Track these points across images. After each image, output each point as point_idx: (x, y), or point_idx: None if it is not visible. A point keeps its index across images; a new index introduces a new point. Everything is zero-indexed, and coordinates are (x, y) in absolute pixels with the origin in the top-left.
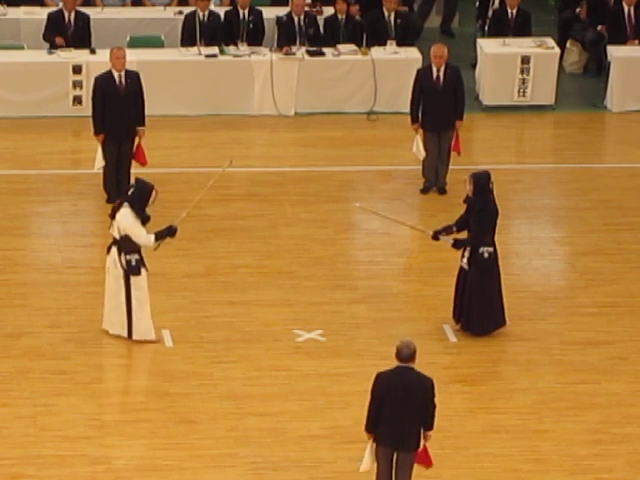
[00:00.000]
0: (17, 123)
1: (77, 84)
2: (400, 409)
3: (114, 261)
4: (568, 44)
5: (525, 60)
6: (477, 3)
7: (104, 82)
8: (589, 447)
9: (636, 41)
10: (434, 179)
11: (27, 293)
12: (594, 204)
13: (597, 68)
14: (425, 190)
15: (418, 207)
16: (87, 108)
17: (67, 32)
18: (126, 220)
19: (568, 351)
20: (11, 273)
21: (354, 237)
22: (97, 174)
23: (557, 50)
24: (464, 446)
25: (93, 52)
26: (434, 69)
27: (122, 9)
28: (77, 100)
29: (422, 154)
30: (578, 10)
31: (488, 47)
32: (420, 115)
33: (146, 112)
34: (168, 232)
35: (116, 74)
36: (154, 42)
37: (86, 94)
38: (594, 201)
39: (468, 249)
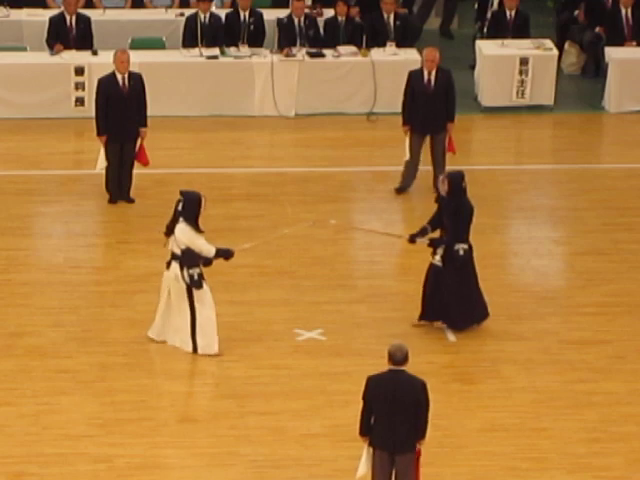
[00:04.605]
0: (20, 124)
1: (79, 85)
2: (391, 412)
3: (176, 276)
4: (566, 45)
5: (524, 61)
6: (476, 5)
7: (107, 84)
8: (587, 445)
9: (634, 42)
10: (411, 181)
11: (30, 292)
12: (592, 204)
13: (595, 69)
14: (400, 190)
15: (417, 208)
16: (89, 109)
17: (69, 35)
18: (185, 235)
19: (566, 350)
20: (14, 273)
21: (354, 237)
22: (99, 174)
23: (555, 52)
24: (463, 444)
25: (95, 54)
26: (425, 72)
27: (123, 11)
28: (79, 101)
29: (407, 155)
30: (576, 12)
31: (487, 48)
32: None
33: (148, 113)
34: (226, 253)
35: (119, 76)
36: (155, 44)
37: (88, 95)
38: (592, 201)
39: (442, 247)
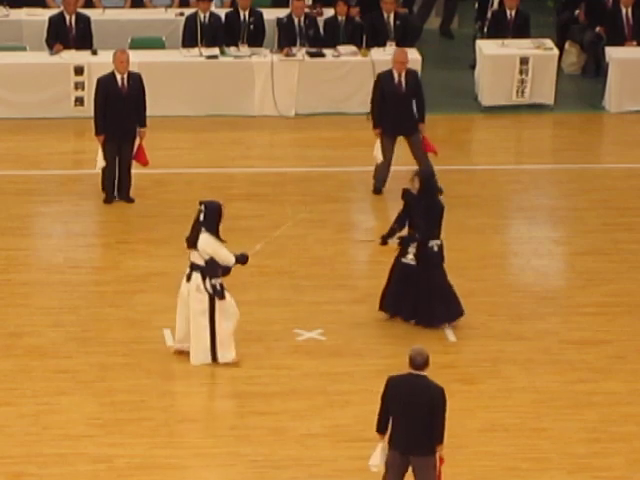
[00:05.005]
0: (19, 124)
1: (79, 85)
2: (406, 414)
3: (197, 286)
4: (567, 45)
5: (524, 61)
6: (476, 5)
7: (107, 83)
8: (587, 446)
9: (634, 42)
10: (384, 181)
11: (29, 292)
12: (592, 204)
13: (595, 69)
14: (377, 191)
15: None
16: (89, 109)
17: (69, 35)
18: (210, 245)
19: (566, 350)
20: (13, 273)
21: (354, 237)
22: (99, 174)
23: (556, 51)
24: (463, 444)
25: (95, 53)
26: (395, 74)
27: (123, 11)
28: (79, 101)
29: (380, 158)
30: (577, 12)
31: (487, 48)
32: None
33: (147, 113)
34: (243, 258)
35: (119, 76)
36: (155, 43)
37: (88, 95)
38: (592, 201)
39: (414, 245)
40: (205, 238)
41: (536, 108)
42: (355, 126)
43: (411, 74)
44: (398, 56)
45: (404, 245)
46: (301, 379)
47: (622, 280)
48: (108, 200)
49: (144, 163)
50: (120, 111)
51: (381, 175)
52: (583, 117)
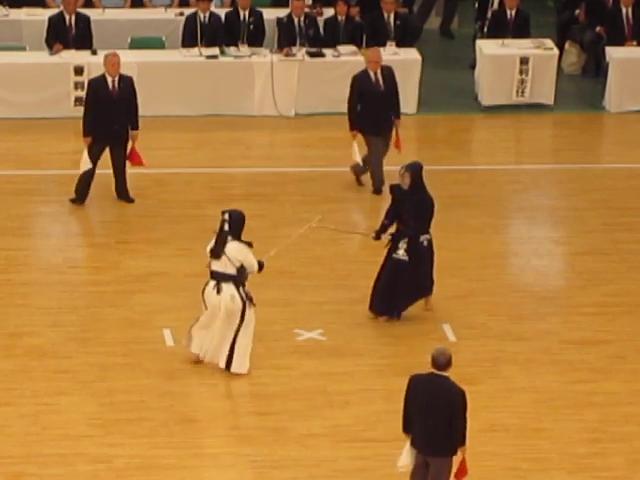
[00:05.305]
0: (19, 124)
1: (79, 85)
2: (427, 415)
3: (232, 297)
4: (567, 45)
5: (524, 61)
6: (476, 4)
7: (97, 86)
8: (588, 446)
9: (634, 42)
10: (382, 177)
11: (29, 292)
12: (592, 204)
13: (595, 69)
14: (378, 191)
15: None
16: None
17: (68, 34)
18: (241, 252)
19: (567, 350)
20: (13, 273)
21: (354, 237)
22: (98, 175)
23: (556, 51)
24: None
25: (94, 53)
26: (371, 73)
27: (123, 10)
28: (79, 101)
29: (359, 159)
30: (577, 12)
31: (487, 48)
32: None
33: (147, 113)
34: (261, 265)
35: (110, 79)
36: (155, 43)
37: None
38: (592, 201)
39: (404, 241)
40: (235, 245)
41: (536, 108)
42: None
43: (387, 70)
44: (372, 55)
45: (396, 240)
46: (301, 379)
47: (622, 280)
48: (78, 201)
49: (140, 164)
50: (110, 114)
51: (378, 175)
52: (583, 117)
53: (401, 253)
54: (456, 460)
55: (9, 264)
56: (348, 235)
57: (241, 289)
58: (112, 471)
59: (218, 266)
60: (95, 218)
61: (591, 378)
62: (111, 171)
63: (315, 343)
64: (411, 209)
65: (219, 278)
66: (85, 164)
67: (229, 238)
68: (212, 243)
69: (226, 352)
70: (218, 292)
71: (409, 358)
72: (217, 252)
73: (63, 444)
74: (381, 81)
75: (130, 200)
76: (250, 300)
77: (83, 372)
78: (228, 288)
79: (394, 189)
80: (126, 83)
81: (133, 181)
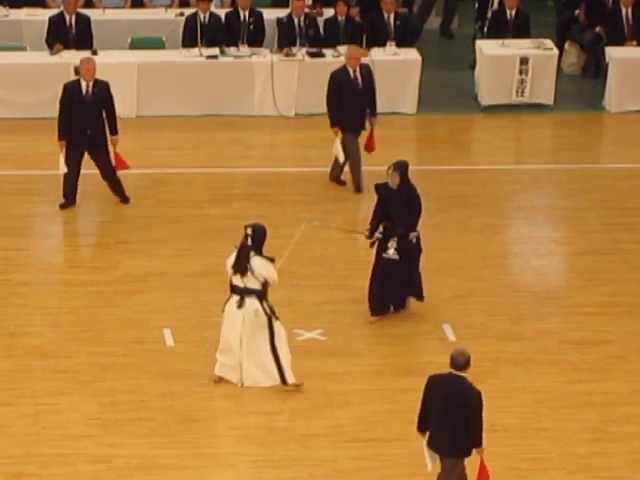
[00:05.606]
0: (19, 124)
1: None
2: (442, 415)
3: (256, 311)
4: (566, 45)
5: (524, 61)
6: (476, 5)
7: (71, 90)
8: (588, 446)
9: (634, 42)
10: (360, 177)
11: (29, 292)
12: (592, 204)
13: (595, 69)
14: (358, 189)
15: None
16: None
17: (69, 35)
18: (265, 267)
19: (567, 350)
20: (13, 273)
21: (354, 237)
22: (97, 175)
23: (555, 51)
24: None
25: (95, 53)
26: (350, 70)
27: (123, 11)
28: None
29: (342, 157)
30: (577, 12)
31: (487, 48)
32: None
33: (147, 113)
34: None
35: (84, 83)
36: (155, 43)
37: None
38: (592, 201)
39: (394, 240)
40: (260, 261)
41: (536, 108)
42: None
43: (365, 68)
44: (352, 52)
45: (386, 238)
46: (301, 379)
47: (622, 280)
48: (65, 206)
49: (125, 167)
50: (82, 119)
51: (357, 172)
52: (583, 117)
53: (391, 252)
54: (475, 463)
55: (9, 264)
56: (347, 235)
57: (264, 303)
58: (112, 471)
59: (241, 281)
60: (95, 218)
61: (591, 378)
62: None
63: (315, 343)
64: (400, 208)
65: (242, 293)
66: (61, 167)
67: (252, 253)
68: (233, 258)
69: (275, 369)
70: (240, 307)
71: (409, 358)
72: (242, 267)
73: (63, 444)
74: (359, 79)
75: (126, 200)
76: (273, 313)
77: (83, 372)
78: (252, 303)
79: (380, 188)
80: (101, 88)
81: (133, 181)
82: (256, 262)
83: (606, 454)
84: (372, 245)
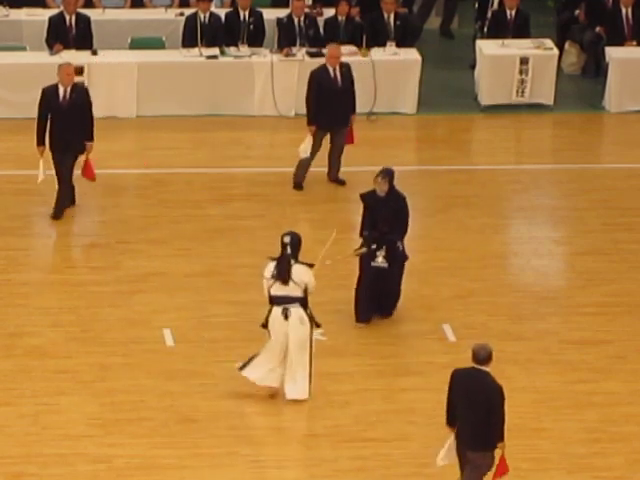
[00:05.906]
0: (19, 124)
1: None
2: (468, 409)
3: (301, 319)
4: (566, 45)
5: (524, 61)
6: (476, 5)
7: (49, 95)
8: (588, 446)
9: (634, 42)
10: (305, 175)
11: (29, 292)
12: (592, 204)
13: (595, 69)
14: (298, 186)
15: (416, 208)
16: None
17: (69, 35)
18: (307, 274)
19: (567, 350)
20: (13, 273)
21: (354, 237)
22: (98, 175)
23: (556, 51)
24: None
25: (95, 53)
26: (330, 69)
27: (123, 11)
28: None
29: (307, 154)
30: (577, 12)
31: (487, 48)
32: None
33: (147, 113)
34: None
35: (61, 88)
36: (155, 43)
37: None
38: (592, 201)
39: (384, 247)
40: (301, 268)
41: (536, 108)
42: (355, 126)
43: (345, 67)
44: (333, 51)
45: (379, 246)
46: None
47: (622, 280)
48: (55, 216)
49: (90, 178)
50: (60, 124)
51: (303, 170)
52: (583, 117)
53: (380, 260)
54: (496, 457)
55: (9, 264)
56: (350, 236)
57: (308, 310)
58: (112, 471)
59: (283, 290)
60: (95, 218)
61: (591, 378)
62: (110, 170)
63: (315, 343)
64: (388, 216)
65: (286, 302)
66: (40, 175)
67: (292, 261)
68: (271, 268)
69: (306, 385)
70: (286, 318)
71: (409, 358)
72: (284, 277)
73: (63, 444)
74: (339, 77)
75: (57, 215)
76: (313, 320)
77: (83, 372)
78: (296, 311)
79: (366, 197)
80: (79, 94)
81: (133, 181)
82: (297, 269)
83: (606, 454)
84: (369, 248)
